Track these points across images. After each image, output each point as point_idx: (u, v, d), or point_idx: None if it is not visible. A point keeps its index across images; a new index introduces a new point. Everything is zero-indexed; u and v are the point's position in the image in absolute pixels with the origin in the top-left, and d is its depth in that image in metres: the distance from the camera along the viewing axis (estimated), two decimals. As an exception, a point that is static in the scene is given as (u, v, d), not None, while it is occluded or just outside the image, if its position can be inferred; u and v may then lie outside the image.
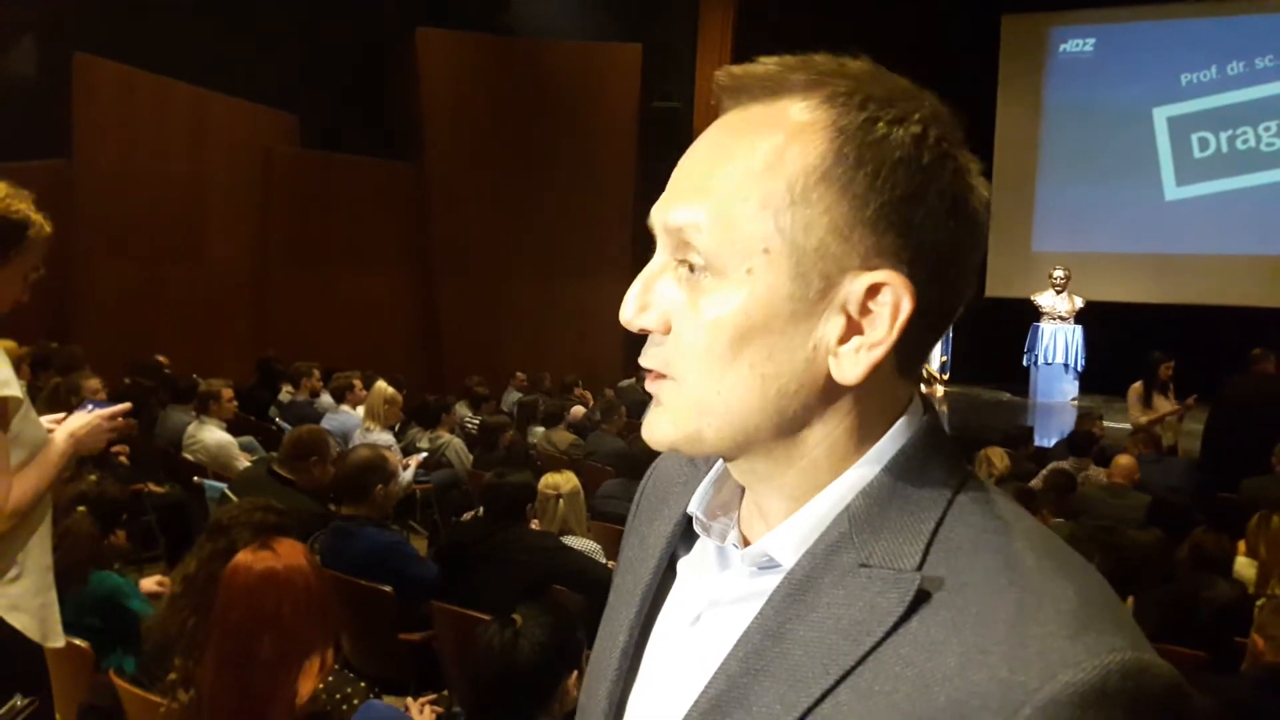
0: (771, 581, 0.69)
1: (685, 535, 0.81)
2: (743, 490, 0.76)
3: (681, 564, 0.81)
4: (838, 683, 0.62)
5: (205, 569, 2.45)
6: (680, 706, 0.71)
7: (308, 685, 2.05)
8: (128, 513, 3.39)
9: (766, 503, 0.72)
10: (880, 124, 0.65)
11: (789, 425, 0.68)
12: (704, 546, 0.78)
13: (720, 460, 0.76)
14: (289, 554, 2.12)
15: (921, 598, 0.62)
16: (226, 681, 2.06)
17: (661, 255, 0.70)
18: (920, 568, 0.64)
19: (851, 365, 0.65)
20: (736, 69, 0.69)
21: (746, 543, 0.74)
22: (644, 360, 0.70)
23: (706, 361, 0.67)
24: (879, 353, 0.65)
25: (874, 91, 0.66)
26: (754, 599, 0.69)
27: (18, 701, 1.99)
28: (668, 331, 0.69)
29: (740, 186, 0.66)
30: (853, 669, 0.62)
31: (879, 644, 0.62)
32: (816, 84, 0.66)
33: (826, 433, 0.68)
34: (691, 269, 0.67)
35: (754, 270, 0.65)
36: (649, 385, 0.71)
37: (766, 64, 0.68)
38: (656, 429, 0.71)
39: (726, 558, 0.76)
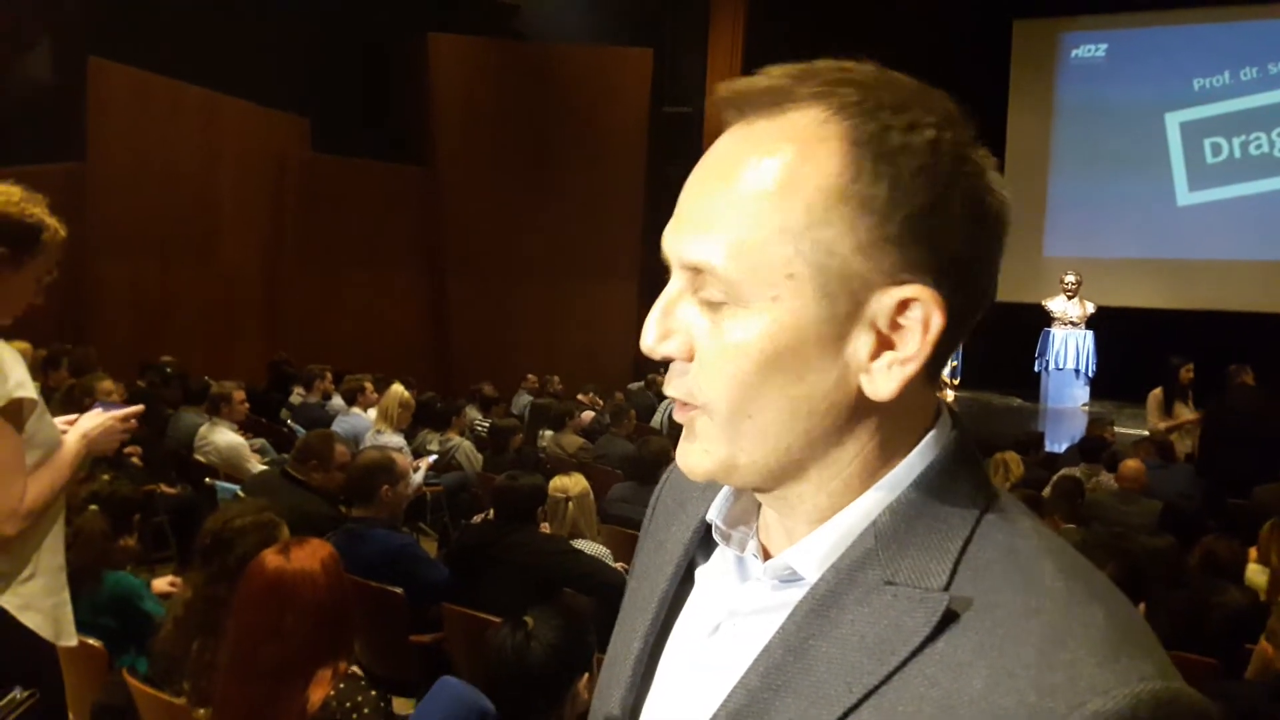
0: (793, 595, 0.68)
1: (703, 543, 0.80)
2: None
3: (700, 572, 0.79)
4: (861, 701, 0.61)
5: (204, 592, 2.46)
6: (697, 718, 0.70)
7: (319, 693, 2.04)
8: (139, 513, 3.40)
9: (791, 524, 0.71)
10: (894, 132, 0.63)
11: (819, 444, 0.66)
12: (723, 555, 0.77)
13: None
14: (304, 560, 2.11)
15: (949, 618, 0.61)
16: (234, 686, 2.07)
17: (679, 280, 0.68)
18: (948, 587, 0.63)
19: (885, 381, 0.64)
20: (738, 82, 0.67)
21: (766, 553, 0.73)
22: (670, 390, 0.69)
23: (735, 388, 0.65)
24: (912, 368, 0.64)
25: (884, 98, 0.64)
26: (775, 612, 0.68)
27: (17, 694, 2.00)
28: (691, 358, 0.67)
29: (755, 213, 0.63)
30: (876, 688, 0.61)
31: (904, 664, 0.61)
32: (823, 94, 0.64)
33: (858, 449, 0.67)
34: (712, 295, 0.65)
35: (779, 297, 0.63)
36: (678, 415, 0.70)
37: (770, 75, 0.66)
38: (690, 458, 0.69)
39: (746, 568, 0.74)
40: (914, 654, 0.61)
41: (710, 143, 0.69)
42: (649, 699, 0.78)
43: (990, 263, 0.67)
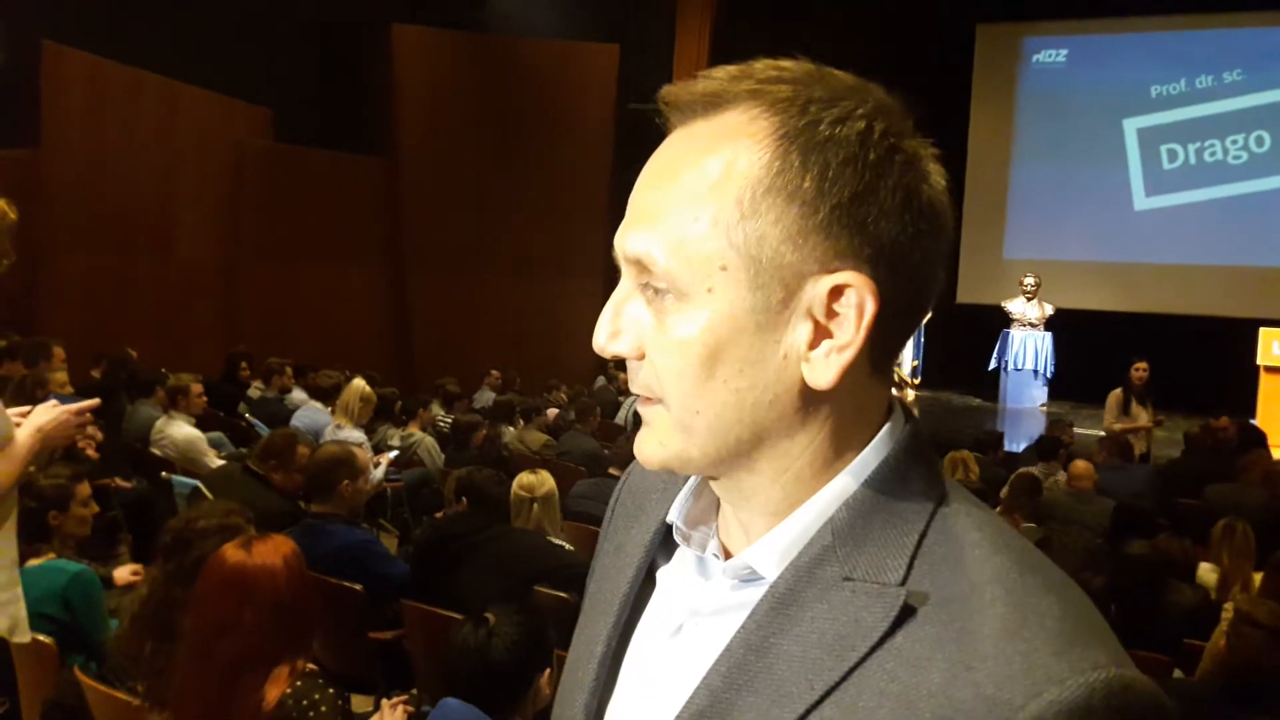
0: (754, 594, 0.68)
1: (664, 544, 0.80)
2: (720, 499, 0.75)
3: (661, 573, 0.80)
4: (822, 698, 0.62)
5: (160, 592, 2.42)
6: (661, 719, 0.70)
7: (275, 691, 2.02)
8: (56, 509, 3.29)
9: (748, 519, 0.71)
10: (823, 125, 0.64)
11: (768, 435, 0.67)
12: (684, 555, 0.77)
13: None
14: (265, 555, 2.09)
15: (906, 612, 0.62)
16: (191, 681, 2.04)
17: (627, 280, 0.70)
18: (904, 582, 0.64)
19: (824, 369, 0.65)
20: (677, 87, 0.69)
21: (727, 553, 0.73)
22: (633, 386, 0.71)
23: (681, 383, 0.67)
24: (849, 354, 0.65)
25: (815, 93, 0.65)
26: (736, 611, 0.69)
27: None
28: (641, 357, 0.69)
29: (689, 208, 0.65)
30: (837, 684, 0.62)
31: (864, 659, 0.62)
32: (757, 93, 0.66)
33: (809, 440, 0.68)
34: (656, 291, 0.67)
35: (714, 289, 0.65)
36: (641, 408, 0.71)
37: (708, 78, 0.68)
38: (645, 449, 0.71)
39: (707, 568, 0.75)
40: (873, 649, 0.62)
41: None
42: (612, 702, 0.78)
43: (930, 249, 0.67)
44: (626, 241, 0.68)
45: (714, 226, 0.65)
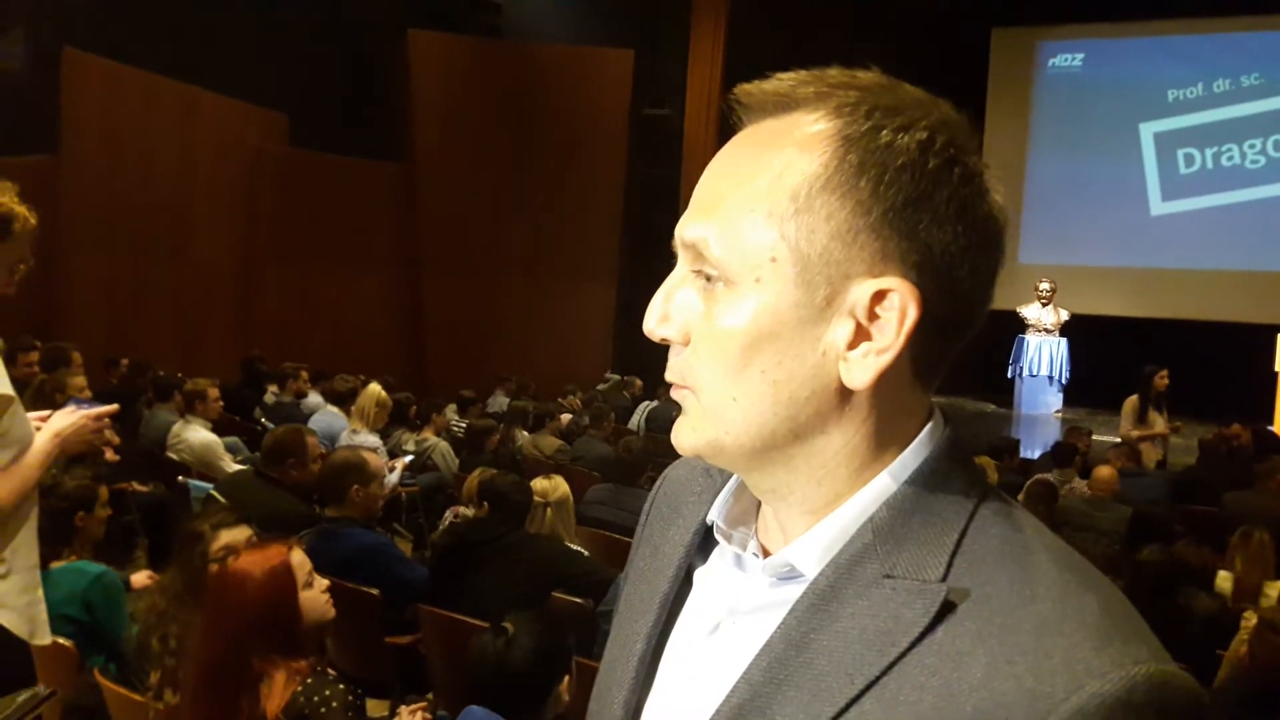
0: (792, 592, 0.70)
1: (701, 546, 0.82)
2: (760, 501, 0.77)
3: (698, 574, 0.81)
4: (863, 692, 0.63)
5: (172, 586, 2.47)
6: (699, 716, 0.71)
7: (281, 693, 2.06)
8: (82, 510, 3.33)
9: (786, 518, 0.73)
10: (885, 131, 0.66)
11: (804, 432, 0.68)
12: (721, 556, 0.79)
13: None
14: (246, 564, 2.17)
15: (946, 608, 0.63)
16: (192, 683, 2.13)
17: (682, 267, 0.71)
18: (945, 579, 0.65)
19: (861, 370, 0.66)
20: (751, 86, 0.71)
21: (766, 553, 0.75)
22: (669, 372, 0.72)
23: (720, 370, 0.68)
24: (887, 358, 0.66)
25: (882, 101, 0.67)
26: (774, 609, 0.70)
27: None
28: (687, 342, 0.70)
29: (747, 199, 0.67)
30: (878, 679, 0.63)
31: (904, 654, 0.63)
32: (825, 96, 0.68)
33: (844, 441, 0.69)
34: (708, 280, 0.69)
35: (762, 279, 0.66)
36: (674, 394, 0.73)
37: (780, 79, 0.70)
38: (680, 435, 0.73)
39: (745, 567, 0.76)
40: (914, 644, 0.63)
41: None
42: (649, 699, 0.79)
43: (979, 265, 0.68)
44: (685, 228, 0.70)
45: (768, 219, 0.66)
